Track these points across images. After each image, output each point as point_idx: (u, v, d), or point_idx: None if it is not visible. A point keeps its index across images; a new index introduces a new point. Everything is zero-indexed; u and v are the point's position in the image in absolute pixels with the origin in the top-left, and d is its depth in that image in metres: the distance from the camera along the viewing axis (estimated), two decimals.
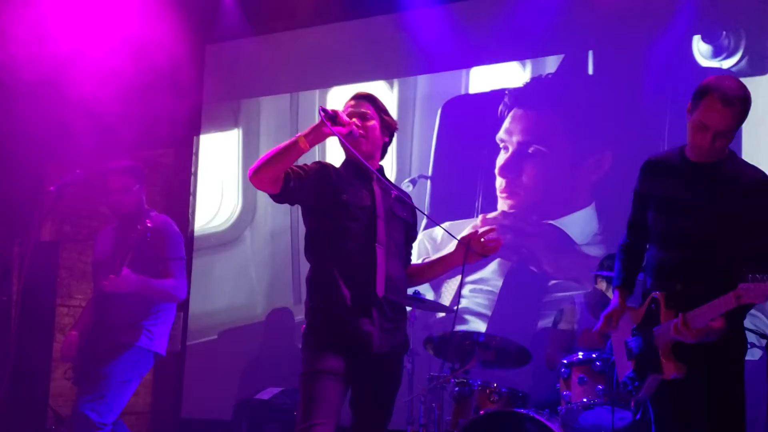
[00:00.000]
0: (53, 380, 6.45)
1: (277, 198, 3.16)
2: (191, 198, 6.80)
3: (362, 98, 3.34)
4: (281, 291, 6.38)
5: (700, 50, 5.42)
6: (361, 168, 3.25)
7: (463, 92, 6.15)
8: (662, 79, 5.40)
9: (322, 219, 3.21)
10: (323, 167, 3.26)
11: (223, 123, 6.89)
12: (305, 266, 3.27)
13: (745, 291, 2.71)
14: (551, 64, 5.87)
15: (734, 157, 3.12)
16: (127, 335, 4.26)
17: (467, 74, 6.15)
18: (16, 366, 4.63)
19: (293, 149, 3.06)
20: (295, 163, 3.14)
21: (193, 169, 6.87)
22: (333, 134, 3.08)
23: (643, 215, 3.28)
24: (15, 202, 5.98)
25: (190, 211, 6.76)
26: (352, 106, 3.30)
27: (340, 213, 3.15)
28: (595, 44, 5.76)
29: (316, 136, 3.09)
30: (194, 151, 6.86)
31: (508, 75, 6.01)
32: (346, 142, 3.17)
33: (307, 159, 3.30)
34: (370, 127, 3.26)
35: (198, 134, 6.90)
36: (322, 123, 3.05)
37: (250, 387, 5.75)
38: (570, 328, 4.89)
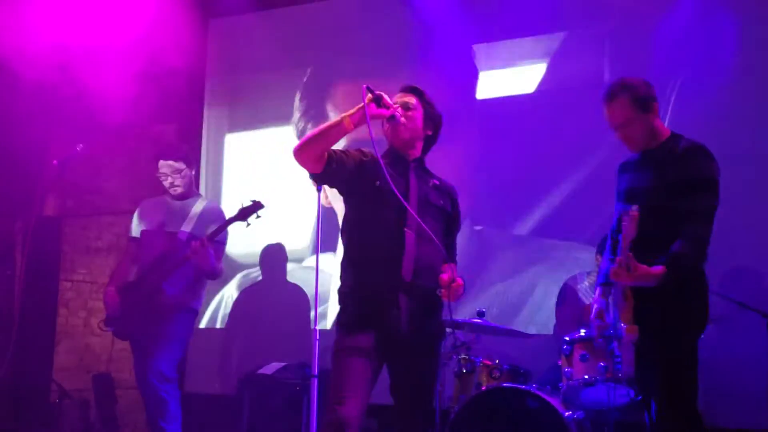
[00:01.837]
0: (57, 354, 6.47)
1: (318, 177, 3.24)
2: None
3: (409, 90, 3.41)
4: (290, 265, 6.36)
5: None
6: (399, 156, 3.36)
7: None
8: (671, 56, 5.31)
9: (356, 204, 3.31)
10: (363, 154, 3.33)
11: (227, 98, 6.85)
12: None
13: (625, 230, 3.13)
14: (554, 42, 5.76)
15: (675, 137, 3.41)
16: (188, 299, 4.75)
17: (475, 51, 6.05)
18: (20, 341, 4.66)
19: (337, 128, 3.16)
20: (338, 148, 3.25)
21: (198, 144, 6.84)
22: (376, 116, 3.16)
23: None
24: (19, 176, 5.97)
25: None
26: (398, 97, 3.37)
27: (372, 198, 3.23)
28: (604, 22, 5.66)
29: (361, 116, 3.14)
30: (199, 126, 6.83)
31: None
32: (388, 124, 3.29)
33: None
34: (411, 116, 3.34)
35: (201, 109, 6.86)
36: (367, 103, 3.12)
37: (253, 362, 5.75)
38: (573, 308, 4.89)
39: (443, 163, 5.91)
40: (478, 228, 5.79)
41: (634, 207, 3.11)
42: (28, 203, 5.86)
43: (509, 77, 5.87)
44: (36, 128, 5.89)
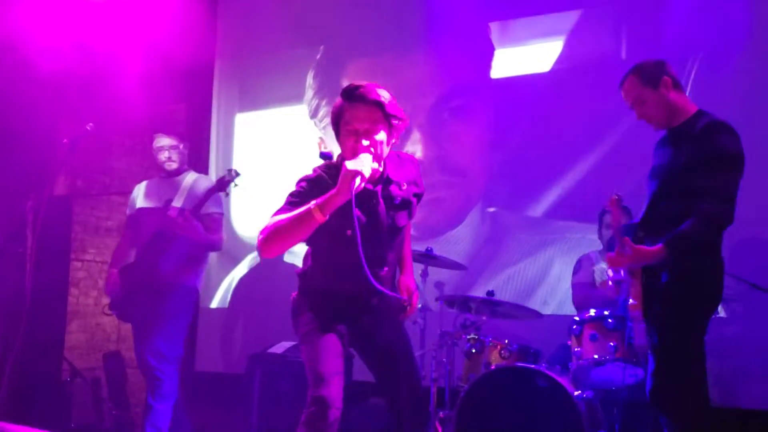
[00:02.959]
0: (68, 333, 6.51)
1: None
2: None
3: (371, 105, 3.00)
4: (299, 246, 6.35)
5: None
6: (363, 188, 2.97)
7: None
8: (689, 33, 5.22)
9: (325, 242, 3.05)
10: (318, 190, 2.95)
11: (237, 77, 6.83)
12: None
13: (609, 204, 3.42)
14: (569, 20, 5.70)
15: (700, 115, 3.41)
16: (184, 276, 4.76)
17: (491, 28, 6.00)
18: (31, 319, 4.68)
19: (307, 222, 2.84)
20: (294, 193, 2.99)
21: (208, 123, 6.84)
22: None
23: None
24: (29, 155, 5.98)
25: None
26: (359, 118, 2.98)
27: (343, 243, 2.94)
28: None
29: (336, 203, 2.84)
30: (209, 106, 6.83)
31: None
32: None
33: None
34: (379, 144, 2.99)
35: (211, 89, 6.86)
36: (341, 192, 2.82)
37: (263, 341, 5.77)
38: (589, 278, 4.90)
39: (457, 143, 5.96)
40: (491, 210, 5.78)
41: (614, 194, 3.21)
42: (39, 182, 5.86)
43: (525, 55, 5.81)
44: (47, 108, 5.89)
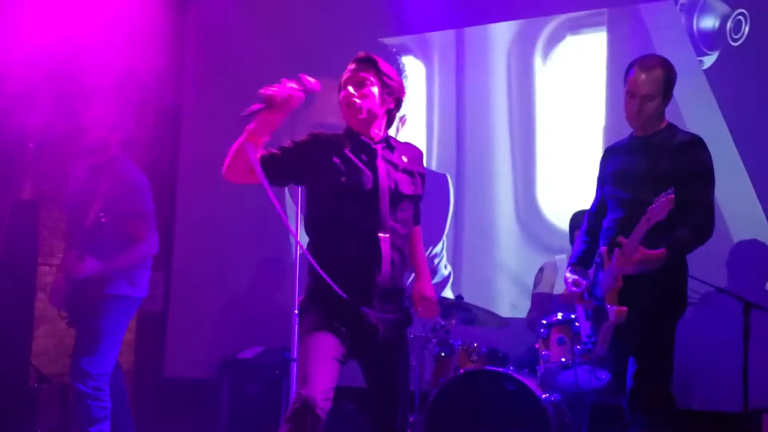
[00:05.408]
0: (35, 339, 6.44)
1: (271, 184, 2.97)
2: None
3: (363, 61, 3.13)
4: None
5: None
6: (362, 141, 3.09)
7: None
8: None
9: (321, 201, 3.06)
10: (318, 142, 3.07)
11: (206, 83, 6.80)
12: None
13: (651, 212, 3.12)
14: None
15: (672, 127, 3.50)
16: (112, 286, 4.25)
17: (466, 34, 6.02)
18: None
19: (249, 142, 2.91)
20: (289, 142, 3.05)
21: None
22: (279, 119, 2.89)
23: (602, 195, 3.66)
24: None
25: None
26: (351, 71, 3.12)
27: (340, 197, 2.99)
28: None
29: (260, 127, 2.88)
30: (177, 115, 6.81)
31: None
32: (294, 103, 2.93)
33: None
34: (366, 94, 3.07)
35: (181, 96, 6.82)
36: (259, 111, 2.85)
37: (232, 346, 5.75)
38: (548, 289, 4.94)
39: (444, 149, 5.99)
40: (476, 211, 5.82)
41: (671, 190, 3.09)
42: (5, 187, 5.80)
43: (511, 57, 5.84)
44: (13, 112, 5.83)
